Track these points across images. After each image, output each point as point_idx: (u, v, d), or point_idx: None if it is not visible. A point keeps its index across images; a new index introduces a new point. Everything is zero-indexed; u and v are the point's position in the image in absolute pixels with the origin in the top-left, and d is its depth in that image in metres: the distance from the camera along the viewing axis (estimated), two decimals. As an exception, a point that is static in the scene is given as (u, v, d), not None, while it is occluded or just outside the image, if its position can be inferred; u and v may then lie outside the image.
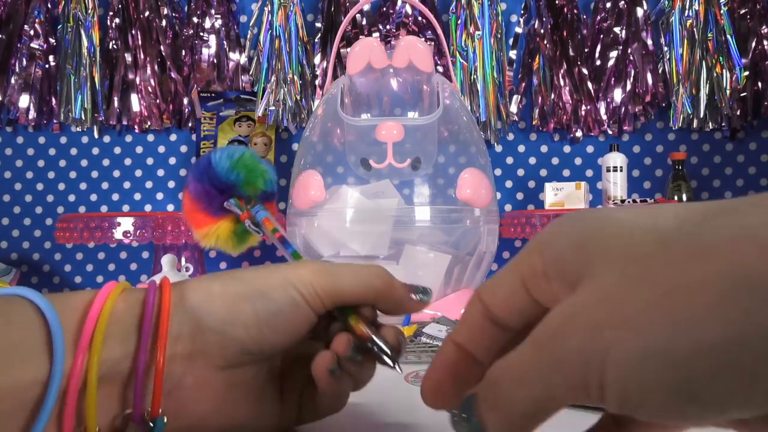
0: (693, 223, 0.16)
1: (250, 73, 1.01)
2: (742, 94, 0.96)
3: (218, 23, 1.02)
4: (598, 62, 1.00)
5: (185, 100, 1.03)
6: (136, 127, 1.03)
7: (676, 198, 0.94)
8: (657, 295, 0.15)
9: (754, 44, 0.96)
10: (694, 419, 0.15)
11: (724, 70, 0.93)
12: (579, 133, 1.01)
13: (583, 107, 0.99)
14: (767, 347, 0.13)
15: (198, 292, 0.26)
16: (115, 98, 1.01)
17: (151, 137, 1.05)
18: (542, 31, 1.00)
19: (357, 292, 0.27)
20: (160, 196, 1.04)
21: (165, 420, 0.25)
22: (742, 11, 0.97)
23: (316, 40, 1.02)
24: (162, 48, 1.01)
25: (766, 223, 0.15)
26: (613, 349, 0.15)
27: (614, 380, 0.15)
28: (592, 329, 0.16)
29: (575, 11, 1.00)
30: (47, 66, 1.02)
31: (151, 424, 0.24)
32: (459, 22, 0.99)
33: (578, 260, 0.17)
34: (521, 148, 1.04)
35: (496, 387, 0.18)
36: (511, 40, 1.04)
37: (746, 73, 0.95)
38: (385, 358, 0.27)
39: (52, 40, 1.02)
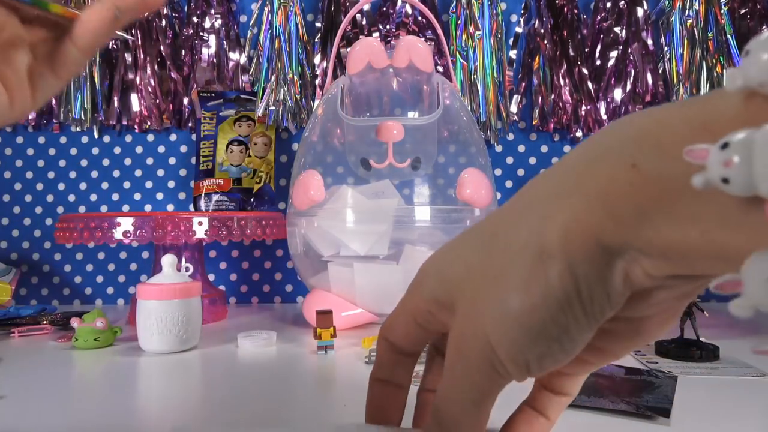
0: (492, 248, 0.23)
1: (250, 73, 1.01)
2: (742, 94, 0.96)
3: (218, 23, 1.02)
4: (598, 62, 1.00)
5: (185, 100, 1.03)
6: (135, 127, 1.03)
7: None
8: (493, 294, 0.22)
9: (754, 44, 0.96)
10: (556, 354, 0.21)
11: (724, 70, 0.93)
12: (579, 133, 1.01)
13: (583, 107, 0.99)
14: (556, 303, 0.20)
15: None
16: (115, 98, 1.01)
17: (150, 137, 1.05)
18: (542, 31, 1.00)
19: None
20: (160, 196, 1.04)
21: None
22: (743, 11, 0.97)
23: (316, 40, 1.02)
24: (162, 48, 1.01)
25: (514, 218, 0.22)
26: (489, 334, 0.22)
27: (503, 351, 0.21)
28: (474, 330, 0.22)
29: (575, 11, 1.00)
30: (47, 66, 1.02)
31: None
32: (459, 22, 0.99)
33: (447, 295, 0.24)
34: (521, 148, 1.04)
35: (439, 413, 0.24)
36: (511, 40, 1.04)
37: (746, 73, 0.95)
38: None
39: (52, 40, 1.02)
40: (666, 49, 0.98)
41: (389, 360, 0.27)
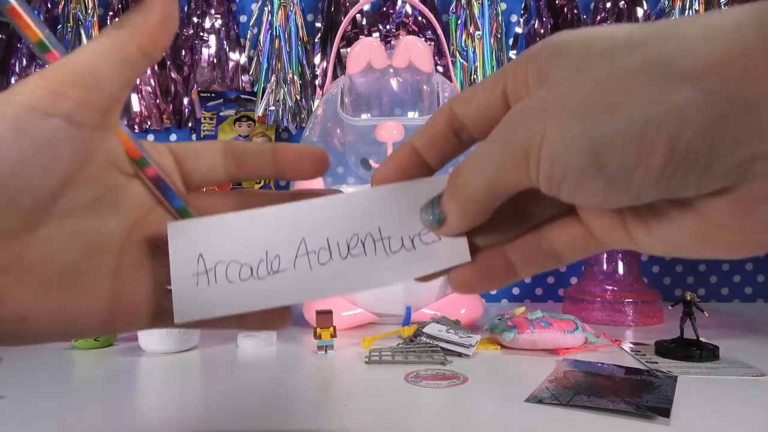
0: (638, 29, 0.18)
1: (250, 73, 1.01)
2: (742, 94, 0.96)
3: (218, 23, 1.02)
4: (598, 62, 1.00)
5: (185, 100, 1.03)
6: (136, 126, 1.03)
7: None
8: (592, 84, 0.17)
9: (754, 44, 0.96)
10: (602, 195, 0.18)
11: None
12: (579, 133, 1.01)
13: (583, 107, 0.99)
14: (643, 130, 0.16)
15: None
16: (115, 98, 1.01)
17: (151, 137, 1.05)
18: (542, 31, 1.00)
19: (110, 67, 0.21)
20: (160, 196, 1.04)
21: None
22: (742, 11, 0.97)
23: (316, 40, 1.02)
24: (162, 48, 1.01)
25: (690, 26, 0.17)
26: (551, 127, 0.17)
27: (548, 154, 0.17)
28: (538, 111, 0.18)
29: (575, 11, 1.00)
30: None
31: None
32: (459, 22, 0.99)
33: (550, 63, 0.19)
34: (521, 148, 1.04)
35: (457, 177, 0.21)
36: (511, 41, 1.04)
37: (746, 73, 0.95)
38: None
39: (52, 40, 1.02)
40: (666, 49, 0.98)
41: (438, 131, 0.23)
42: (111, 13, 1.01)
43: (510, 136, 0.19)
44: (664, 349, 0.58)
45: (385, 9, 1.01)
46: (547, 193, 0.19)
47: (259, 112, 0.96)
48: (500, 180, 0.19)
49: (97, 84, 0.20)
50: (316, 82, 1.01)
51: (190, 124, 1.04)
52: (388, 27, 1.00)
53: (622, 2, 0.99)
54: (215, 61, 1.02)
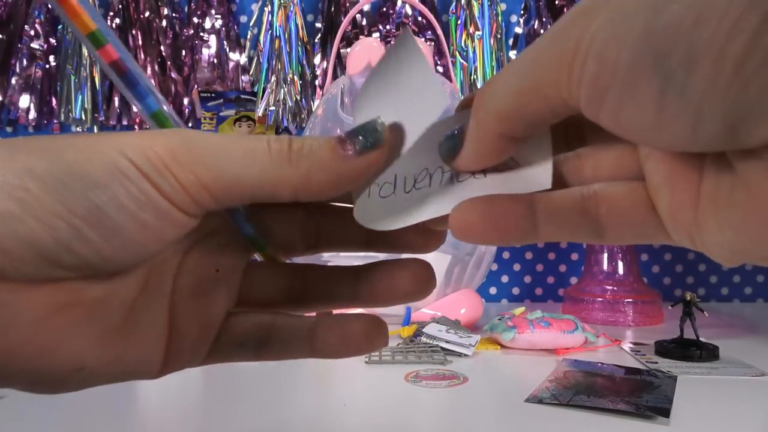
0: None
1: (250, 73, 1.01)
2: (742, 94, 0.96)
3: (218, 23, 1.02)
4: (598, 62, 1.00)
5: (185, 100, 1.03)
6: (136, 126, 1.03)
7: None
8: None
9: (754, 44, 0.96)
10: (654, 110, 0.14)
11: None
12: (579, 133, 1.01)
13: (583, 107, 0.99)
14: (723, 27, 0.12)
15: None
16: (116, 98, 1.01)
17: (151, 137, 1.05)
18: (542, 31, 1.00)
19: (253, 177, 0.18)
20: (160, 196, 1.04)
21: None
22: (742, 11, 0.98)
23: (316, 41, 1.02)
24: (162, 48, 1.01)
25: None
26: (606, 21, 0.14)
27: (598, 48, 0.14)
28: (594, 9, 0.15)
29: (575, 11, 1.00)
30: (47, 66, 1.02)
31: None
32: (459, 22, 0.99)
33: None
34: (521, 148, 1.04)
35: (485, 85, 0.17)
36: (511, 41, 1.04)
37: (746, 73, 0.95)
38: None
39: (52, 41, 1.02)
40: (666, 49, 0.98)
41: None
42: (111, 14, 1.01)
43: (558, 32, 0.15)
44: (664, 349, 0.58)
45: (385, 9, 1.01)
46: (589, 113, 0.15)
47: (260, 112, 0.96)
48: (535, 86, 0.16)
49: (239, 193, 0.18)
50: (316, 82, 1.01)
51: (190, 124, 1.04)
52: (388, 27, 1.01)
53: (622, 2, 0.99)
54: (215, 61, 1.02)
